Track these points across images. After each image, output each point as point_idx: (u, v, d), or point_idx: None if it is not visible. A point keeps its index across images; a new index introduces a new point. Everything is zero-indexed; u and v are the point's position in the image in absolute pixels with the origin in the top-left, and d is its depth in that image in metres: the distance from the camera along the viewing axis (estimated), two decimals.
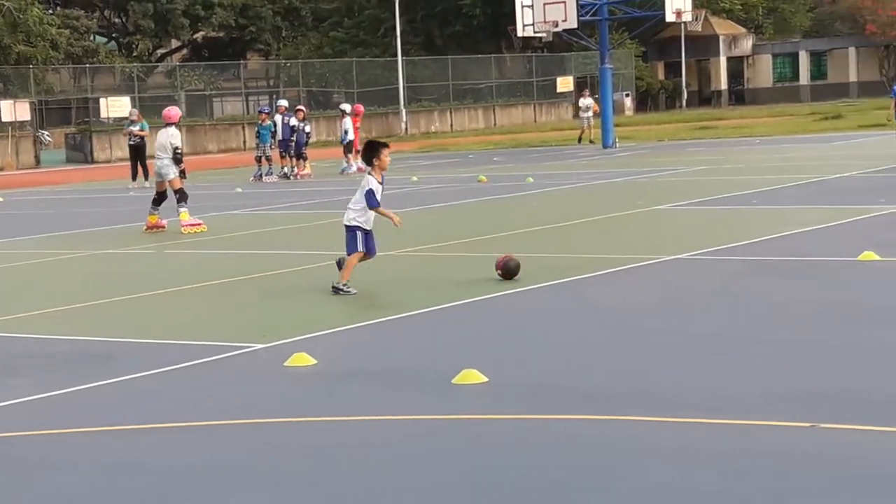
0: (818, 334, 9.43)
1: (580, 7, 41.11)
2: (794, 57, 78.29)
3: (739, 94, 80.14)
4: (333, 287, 12.51)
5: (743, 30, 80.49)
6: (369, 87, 66.13)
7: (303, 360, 9.19)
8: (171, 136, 20.62)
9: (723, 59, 79.31)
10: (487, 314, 11.11)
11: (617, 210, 19.63)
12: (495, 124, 69.43)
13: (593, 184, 25.83)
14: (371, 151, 12.76)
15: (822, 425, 6.75)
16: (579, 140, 45.20)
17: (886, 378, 7.88)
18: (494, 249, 14.63)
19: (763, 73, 79.88)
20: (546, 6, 41.01)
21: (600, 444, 6.70)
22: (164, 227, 20.75)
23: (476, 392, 8.07)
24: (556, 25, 41.04)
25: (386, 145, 13.05)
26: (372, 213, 12.69)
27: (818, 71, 77.85)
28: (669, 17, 40.47)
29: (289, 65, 69.48)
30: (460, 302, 11.66)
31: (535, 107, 72.79)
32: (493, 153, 43.37)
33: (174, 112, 21.29)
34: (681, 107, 76.07)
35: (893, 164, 25.20)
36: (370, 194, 12.56)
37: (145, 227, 20.87)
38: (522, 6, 42.55)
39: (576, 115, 52.74)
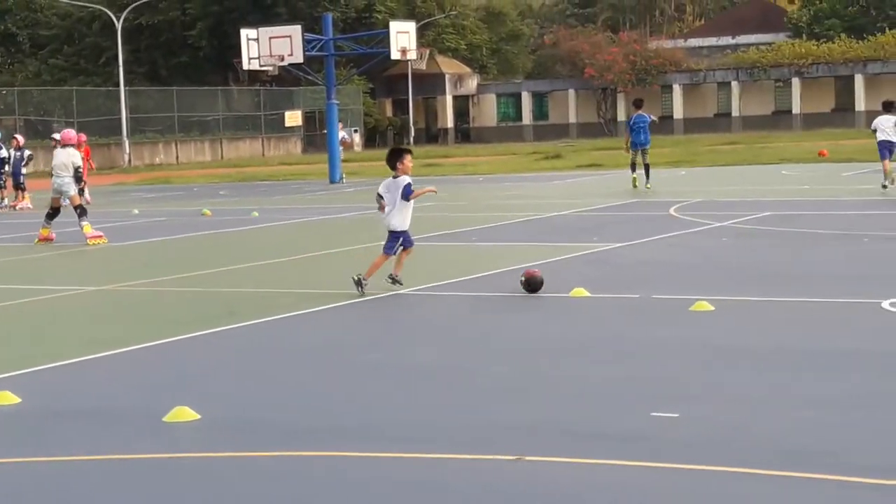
0: (529, 368, 9.65)
1: (306, 42, 41.17)
2: (517, 97, 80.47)
3: (465, 133, 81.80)
4: (357, 282, 13.52)
5: (468, 69, 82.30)
6: (91, 116, 64.49)
7: (5, 398, 8.82)
8: (71, 156, 22.43)
9: (449, 98, 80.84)
10: (201, 351, 10.94)
11: (340, 245, 19.70)
12: (222, 157, 68.79)
13: (319, 219, 25.87)
14: (394, 157, 14.06)
15: (528, 458, 6.89)
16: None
17: (593, 411, 8.12)
18: (213, 284, 14.43)
19: (488, 112, 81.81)
20: (272, 40, 40.93)
21: (308, 479, 6.67)
22: (52, 239, 22.48)
23: (188, 429, 7.92)
24: (283, 59, 40.98)
25: (409, 151, 14.46)
26: (409, 212, 14.00)
27: (540, 111, 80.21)
28: (395, 54, 40.98)
29: (4, 92, 67.07)
30: (175, 338, 11.45)
31: (263, 140, 72.50)
32: (220, 186, 42.93)
33: (73, 134, 23.65)
34: (408, 143, 77.16)
35: (607, 203, 26.17)
36: (408, 187, 13.86)
37: (37, 240, 22.49)
38: (248, 39, 42.32)
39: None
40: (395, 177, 14.02)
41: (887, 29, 67.69)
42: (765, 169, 36.36)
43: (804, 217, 21.24)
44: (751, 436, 7.39)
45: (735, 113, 70.59)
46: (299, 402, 8.71)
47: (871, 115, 65.61)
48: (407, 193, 13.91)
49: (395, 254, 14.11)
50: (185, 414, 8.13)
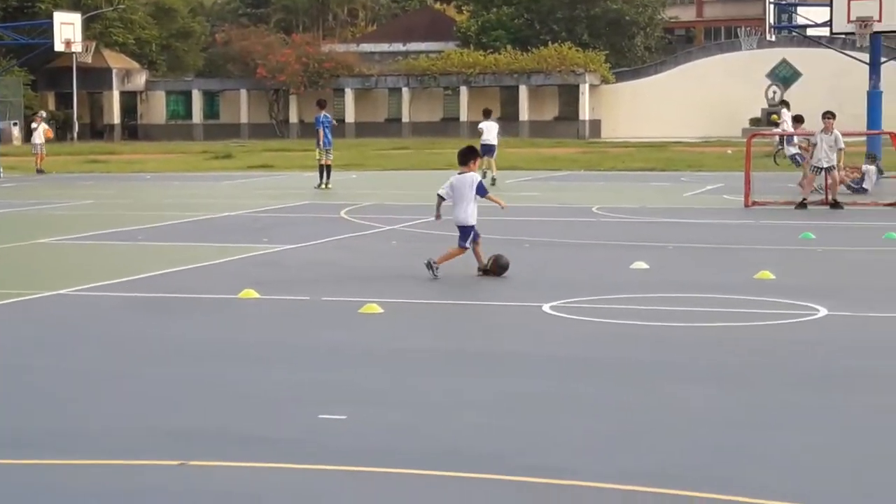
0: (193, 371, 9.43)
1: None
2: (188, 95, 79.19)
3: (133, 130, 79.85)
4: (429, 267, 14.11)
5: (137, 65, 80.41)
6: None
7: None
8: None
9: (116, 93, 78.72)
10: None
11: None
12: None
13: None
14: (469, 155, 14.91)
15: (192, 462, 6.70)
16: None
17: (259, 414, 8.00)
18: None
19: (157, 109, 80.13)
20: None
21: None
22: None
23: None
24: None
25: (479, 153, 15.81)
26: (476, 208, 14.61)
27: (211, 110, 79.18)
28: (59, 46, 39.62)
29: None
30: None
31: None
32: None
33: None
34: (72, 139, 74.63)
35: (278, 204, 26.04)
36: (481, 185, 14.66)
37: None
38: None
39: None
40: (460, 173, 14.61)
41: (550, 42, 70.40)
42: (434, 174, 37.09)
43: None
44: (417, 437, 7.44)
45: (405, 119, 71.79)
46: None
47: (536, 125, 68.11)
48: (483, 191, 14.63)
49: (469, 247, 14.56)
50: None
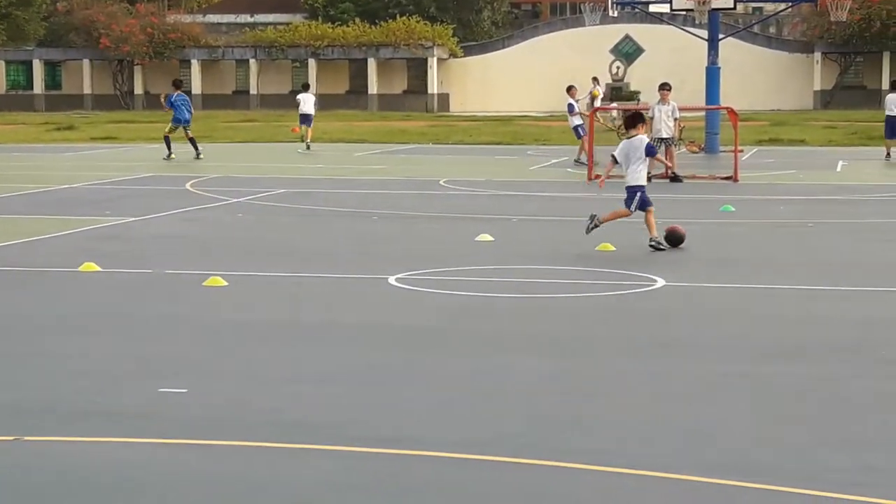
0: (31, 346, 9.27)
1: None
2: (29, 65, 77.20)
3: None
4: (654, 244, 14.33)
5: None
6: None
7: None
8: None
9: None
10: None
11: None
12: None
13: None
14: (637, 119, 15.13)
15: (28, 438, 6.61)
16: None
17: (99, 388, 7.91)
18: None
19: None
20: None
21: None
22: None
23: None
24: None
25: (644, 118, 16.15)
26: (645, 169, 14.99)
27: (53, 81, 77.35)
28: None
29: None
30: None
31: None
32: None
33: None
34: None
35: (122, 176, 25.61)
36: (650, 146, 15.13)
37: None
38: None
39: None
40: (628, 137, 14.96)
41: (398, 16, 70.32)
42: (282, 147, 36.87)
43: (318, 195, 21.70)
44: (258, 409, 7.45)
45: (253, 91, 71.00)
46: None
47: (385, 99, 68.11)
48: (652, 151, 15.17)
49: (633, 210, 14.79)
50: None
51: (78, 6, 75.72)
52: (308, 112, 35.01)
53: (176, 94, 31.36)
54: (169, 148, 30.51)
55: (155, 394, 7.76)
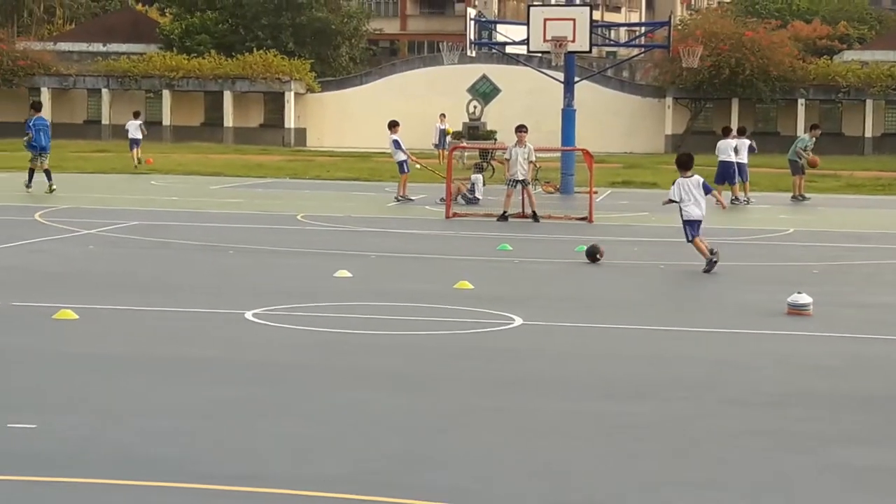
0: None
1: None
2: None
3: None
4: (709, 265, 16.35)
5: None
6: None
7: None
8: None
9: None
10: None
11: None
12: None
13: None
14: (691, 160, 17.14)
15: None
16: None
17: None
18: None
19: None
20: None
21: None
22: None
23: None
24: None
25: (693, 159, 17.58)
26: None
27: None
28: None
29: None
30: None
31: None
32: None
33: None
34: None
35: None
36: (706, 184, 17.12)
37: None
38: None
39: None
40: (687, 177, 16.81)
41: (255, 49, 69.94)
42: (134, 178, 36.34)
43: (173, 227, 21.40)
44: (108, 445, 7.30)
45: (105, 121, 69.92)
46: None
47: (241, 132, 67.62)
48: (709, 189, 17.21)
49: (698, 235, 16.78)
50: None
51: None
52: (137, 137, 41.71)
53: (35, 116, 30.25)
54: (30, 178, 29.26)
55: (3, 429, 7.54)
